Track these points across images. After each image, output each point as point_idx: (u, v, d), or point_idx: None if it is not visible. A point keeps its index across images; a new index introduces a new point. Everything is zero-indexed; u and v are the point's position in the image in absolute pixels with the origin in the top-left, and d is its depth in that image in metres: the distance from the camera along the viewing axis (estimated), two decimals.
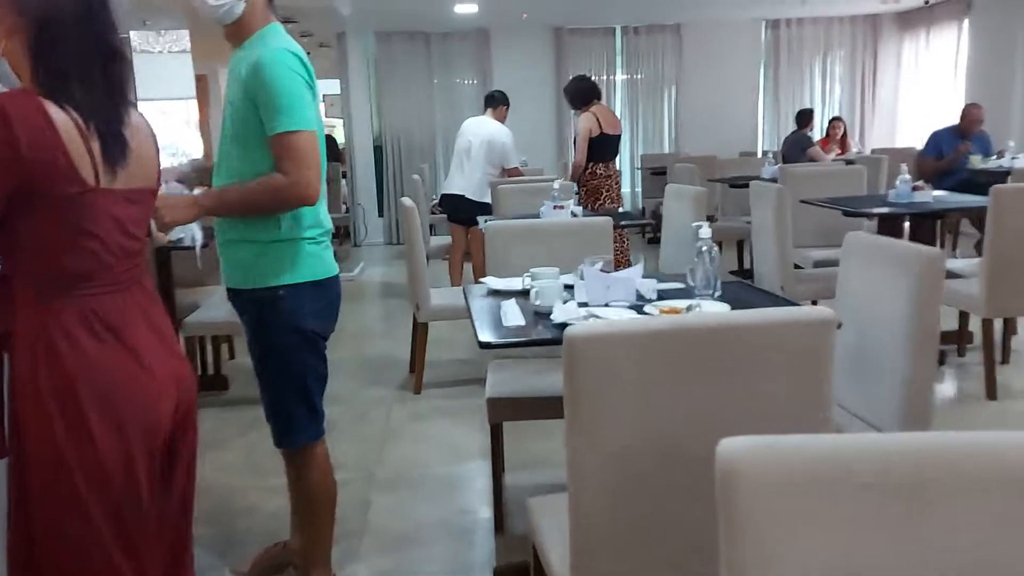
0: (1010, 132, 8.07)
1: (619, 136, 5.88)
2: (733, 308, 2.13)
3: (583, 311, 2.11)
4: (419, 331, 4.37)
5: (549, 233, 3.20)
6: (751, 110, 10.60)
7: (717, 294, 2.31)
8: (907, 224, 4.79)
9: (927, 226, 4.51)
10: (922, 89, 10.08)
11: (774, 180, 5.77)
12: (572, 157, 6.13)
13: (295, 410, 2.24)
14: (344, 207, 9.93)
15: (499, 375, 2.90)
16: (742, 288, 2.53)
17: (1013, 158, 6.80)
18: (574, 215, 4.16)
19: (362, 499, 3.13)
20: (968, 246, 7.34)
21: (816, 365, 1.56)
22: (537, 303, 2.20)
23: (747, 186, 6.69)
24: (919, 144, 8.83)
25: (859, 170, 5.63)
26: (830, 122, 9.29)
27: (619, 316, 2.09)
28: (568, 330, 1.48)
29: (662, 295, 2.34)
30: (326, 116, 15.53)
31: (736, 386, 1.55)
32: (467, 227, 5.98)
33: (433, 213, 7.25)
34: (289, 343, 2.18)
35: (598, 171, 5.68)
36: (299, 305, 2.16)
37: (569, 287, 2.37)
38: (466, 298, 2.51)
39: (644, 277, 2.41)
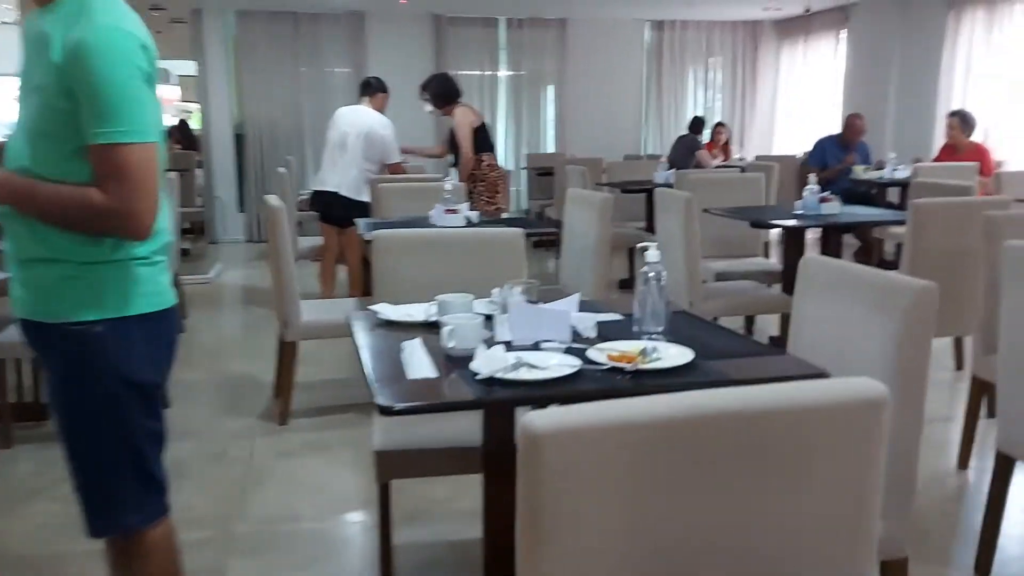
0: (885, 141, 8.19)
1: None
2: (696, 352, 1.71)
3: (511, 357, 1.63)
4: (286, 350, 3.76)
5: (450, 245, 2.69)
6: (634, 112, 10.42)
7: (667, 329, 1.88)
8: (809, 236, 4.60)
9: (836, 239, 4.29)
10: (799, 97, 10.18)
11: (668, 185, 5.58)
12: (450, 156, 5.72)
13: (121, 485, 1.67)
14: (199, 200, 9.05)
15: (389, 419, 2.37)
16: (690, 322, 2.11)
17: (895, 169, 6.82)
18: (469, 221, 3.68)
19: (216, 567, 2.56)
20: (847, 256, 7.35)
21: (863, 457, 1.14)
22: (451, 345, 1.70)
23: (640, 191, 6.47)
24: (796, 152, 8.88)
25: (757, 178, 5.44)
26: (714, 127, 9.21)
27: (559, 363, 1.63)
28: (527, 420, 1.00)
29: (602, 332, 1.89)
30: (181, 99, 14.40)
31: (758, 487, 1.11)
32: (341, 228, 5.38)
33: (302, 210, 6.56)
34: (111, 396, 1.63)
35: (493, 163, 5.31)
36: (126, 346, 1.62)
37: (487, 318, 1.88)
38: (352, 332, 1.98)
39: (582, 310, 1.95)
